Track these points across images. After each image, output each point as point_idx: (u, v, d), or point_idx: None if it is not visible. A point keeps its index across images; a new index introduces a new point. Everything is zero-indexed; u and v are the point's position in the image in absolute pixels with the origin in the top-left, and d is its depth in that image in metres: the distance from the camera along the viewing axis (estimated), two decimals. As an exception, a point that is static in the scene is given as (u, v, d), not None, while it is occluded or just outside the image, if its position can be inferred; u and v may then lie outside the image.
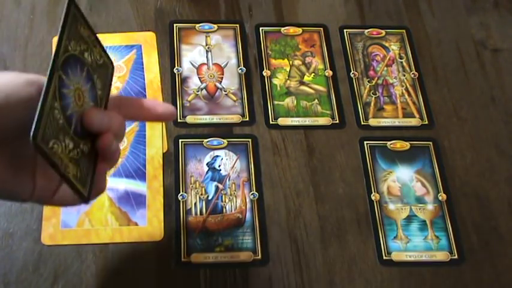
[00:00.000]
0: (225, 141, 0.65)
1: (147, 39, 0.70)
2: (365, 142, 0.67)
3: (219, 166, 0.64)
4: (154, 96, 0.66)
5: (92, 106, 0.44)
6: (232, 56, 0.71)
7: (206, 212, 0.61)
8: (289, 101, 0.69)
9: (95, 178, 0.43)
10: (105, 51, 0.48)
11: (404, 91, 0.71)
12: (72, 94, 0.41)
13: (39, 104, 0.38)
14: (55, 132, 0.39)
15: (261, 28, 0.74)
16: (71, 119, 0.41)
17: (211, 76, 0.70)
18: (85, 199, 0.42)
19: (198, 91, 0.69)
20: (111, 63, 0.49)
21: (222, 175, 0.63)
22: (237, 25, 0.73)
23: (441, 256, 0.61)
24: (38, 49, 0.69)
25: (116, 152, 0.44)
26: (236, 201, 0.62)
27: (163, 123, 0.65)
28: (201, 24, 0.73)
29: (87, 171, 0.43)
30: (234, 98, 0.69)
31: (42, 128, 0.37)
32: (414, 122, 0.69)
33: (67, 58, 0.41)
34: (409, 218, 0.63)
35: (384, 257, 0.61)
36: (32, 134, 0.36)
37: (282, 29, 0.74)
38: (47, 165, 0.38)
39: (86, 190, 0.42)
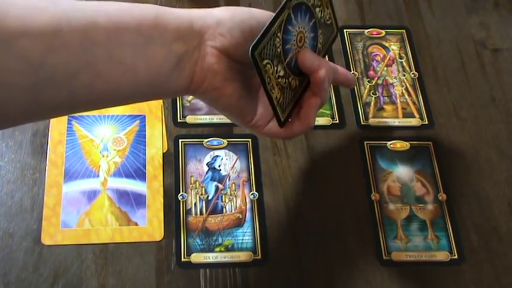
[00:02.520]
0: (225, 141, 0.65)
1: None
2: (365, 142, 0.67)
3: (219, 166, 0.64)
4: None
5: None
6: (232, 56, 0.71)
7: (206, 212, 0.61)
8: (289, 101, 0.69)
9: (303, 111, 0.50)
10: (335, 16, 0.54)
11: (404, 91, 0.71)
12: (295, 33, 0.48)
13: (266, 25, 0.44)
14: (271, 55, 0.45)
15: (261, 28, 0.74)
16: (287, 52, 0.47)
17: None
18: (281, 123, 0.49)
19: (198, 91, 0.69)
20: (337, 29, 0.56)
21: (222, 175, 0.63)
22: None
23: (441, 256, 0.61)
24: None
25: (327, 91, 0.51)
26: (236, 201, 0.62)
27: (163, 123, 0.65)
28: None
29: (288, 102, 0.49)
30: (234, 98, 0.68)
31: (262, 44, 0.43)
32: (414, 122, 0.69)
33: (300, 3, 0.48)
34: (409, 218, 0.63)
35: (384, 257, 0.61)
36: (252, 45, 0.42)
37: (282, 29, 0.74)
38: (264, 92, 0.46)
39: (284, 116, 0.49)
